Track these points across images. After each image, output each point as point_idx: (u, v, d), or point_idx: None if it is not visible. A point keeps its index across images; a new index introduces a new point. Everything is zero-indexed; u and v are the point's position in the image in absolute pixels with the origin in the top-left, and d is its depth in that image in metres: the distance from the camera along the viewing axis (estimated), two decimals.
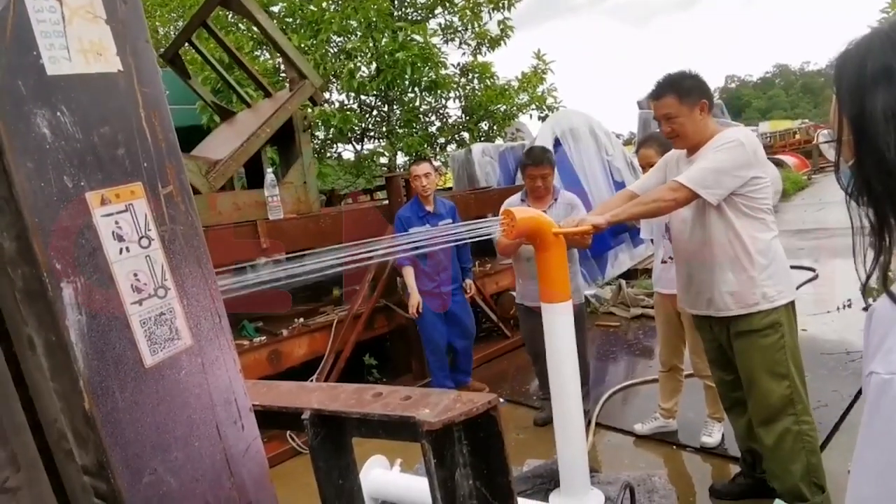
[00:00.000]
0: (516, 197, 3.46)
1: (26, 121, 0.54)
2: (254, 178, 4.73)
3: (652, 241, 3.33)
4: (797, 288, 5.22)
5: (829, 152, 17.40)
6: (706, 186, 2.09)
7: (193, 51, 5.08)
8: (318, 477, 0.85)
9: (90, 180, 0.59)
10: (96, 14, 0.60)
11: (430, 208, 3.88)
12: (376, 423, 0.78)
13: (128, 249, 0.62)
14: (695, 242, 2.29)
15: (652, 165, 2.98)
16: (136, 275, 0.63)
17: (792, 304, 2.24)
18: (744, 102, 73.17)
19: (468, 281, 4.08)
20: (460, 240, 2.35)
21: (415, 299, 3.78)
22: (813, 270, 6.22)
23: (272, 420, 0.88)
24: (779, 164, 14.10)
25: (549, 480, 2.60)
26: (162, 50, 5.05)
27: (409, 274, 3.81)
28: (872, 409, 0.65)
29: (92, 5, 0.60)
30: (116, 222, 0.61)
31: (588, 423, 3.38)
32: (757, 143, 2.17)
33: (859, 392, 3.28)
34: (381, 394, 0.83)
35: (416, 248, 2.89)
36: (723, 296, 2.23)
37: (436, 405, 0.76)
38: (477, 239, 2.35)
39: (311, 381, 3.76)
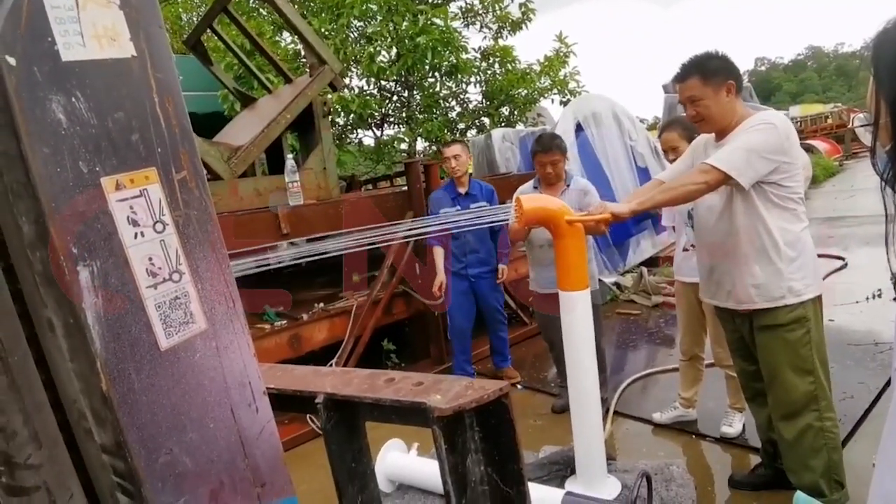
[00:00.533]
0: (529, 184, 3.43)
1: (42, 106, 0.55)
2: (275, 163, 4.77)
3: (674, 228, 3.27)
4: (824, 278, 5.11)
5: (866, 137, 16.80)
6: (737, 168, 1.99)
7: (216, 37, 5.11)
8: (331, 460, 0.86)
9: (105, 165, 0.60)
10: None
11: (462, 190, 3.89)
12: (388, 409, 0.79)
13: (142, 234, 0.63)
14: (720, 232, 2.22)
15: (675, 149, 2.91)
16: (150, 259, 0.64)
17: (819, 297, 2.16)
18: (774, 86, 71.06)
19: (501, 266, 4.03)
20: (472, 226, 2.36)
21: (439, 279, 3.79)
22: (842, 259, 6.06)
23: (287, 403, 0.89)
24: (809, 149, 13.70)
25: (565, 467, 2.60)
26: (185, 36, 5.10)
27: (438, 254, 3.84)
28: None
29: None
30: (131, 207, 0.62)
31: (606, 411, 3.37)
32: (790, 128, 2.08)
33: (887, 384, 3.20)
34: (394, 379, 0.83)
35: (445, 229, 2.90)
36: (746, 288, 2.16)
37: (447, 391, 0.76)
38: (492, 224, 2.34)
39: (331, 365, 3.81)
